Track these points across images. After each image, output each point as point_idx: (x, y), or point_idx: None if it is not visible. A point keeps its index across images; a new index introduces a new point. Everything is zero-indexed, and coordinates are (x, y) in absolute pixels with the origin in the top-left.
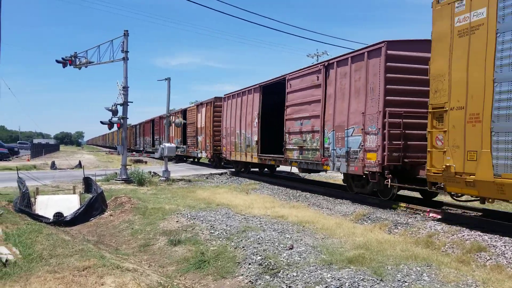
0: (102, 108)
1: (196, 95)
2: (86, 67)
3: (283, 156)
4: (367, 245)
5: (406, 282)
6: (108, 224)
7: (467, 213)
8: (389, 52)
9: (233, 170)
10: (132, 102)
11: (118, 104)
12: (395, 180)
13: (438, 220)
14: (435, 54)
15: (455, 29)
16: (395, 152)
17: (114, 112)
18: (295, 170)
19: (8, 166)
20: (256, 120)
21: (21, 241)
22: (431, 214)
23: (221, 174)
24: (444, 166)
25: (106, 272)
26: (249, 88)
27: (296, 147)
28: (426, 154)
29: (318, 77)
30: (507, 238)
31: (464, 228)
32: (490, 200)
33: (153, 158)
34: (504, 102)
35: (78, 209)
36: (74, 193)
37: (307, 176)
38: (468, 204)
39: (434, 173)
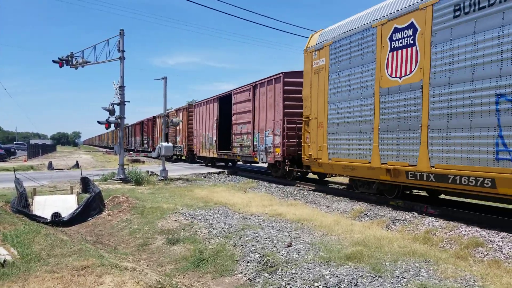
0: (100, 108)
1: (195, 94)
2: (82, 67)
3: (231, 151)
4: (365, 242)
5: (404, 278)
6: (106, 224)
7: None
8: (285, 79)
9: (231, 169)
10: (129, 101)
11: (115, 103)
12: (294, 166)
13: (436, 216)
14: (304, 83)
15: (313, 69)
16: (291, 147)
17: (111, 112)
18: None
19: (5, 167)
20: (215, 124)
21: (19, 241)
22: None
23: (218, 173)
24: (309, 155)
25: (104, 271)
26: (210, 99)
27: (238, 145)
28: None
29: (249, 93)
30: (504, 233)
31: (462, 224)
32: (329, 175)
33: (151, 157)
34: (332, 116)
35: (76, 209)
36: (72, 193)
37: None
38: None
39: (305, 159)
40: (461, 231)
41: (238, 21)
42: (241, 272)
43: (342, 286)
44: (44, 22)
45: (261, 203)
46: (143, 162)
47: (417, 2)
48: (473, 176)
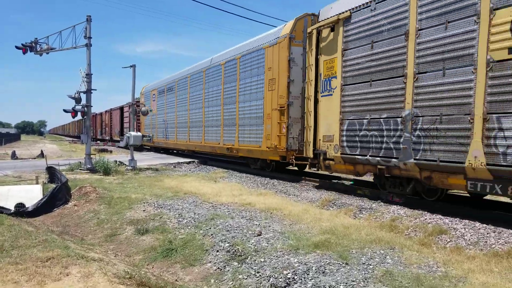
0: (66, 97)
1: None
2: (47, 53)
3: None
4: (333, 230)
5: (370, 265)
6: (73, 214)
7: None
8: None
9: (201, 159)
10: (95, 89)
11: (81, 91)
12: None
13: (401, 204)
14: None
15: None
16: None
17: (78, 100)
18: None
19: None
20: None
21: None
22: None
23: (188, 162)
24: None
25: (70, 262)
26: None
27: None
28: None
29: None
30: (466, 220)
31: (426, 212)
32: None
33: (119, 147)
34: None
35: (41, 200)
36: (37, 183)
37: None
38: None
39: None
40: (426, 219)
41: (208, 9)
42: (210, 261)
43: (310, 274)
44: (3, 9)
45: (231, 192)
46: (111, 152)
47: None
48: None
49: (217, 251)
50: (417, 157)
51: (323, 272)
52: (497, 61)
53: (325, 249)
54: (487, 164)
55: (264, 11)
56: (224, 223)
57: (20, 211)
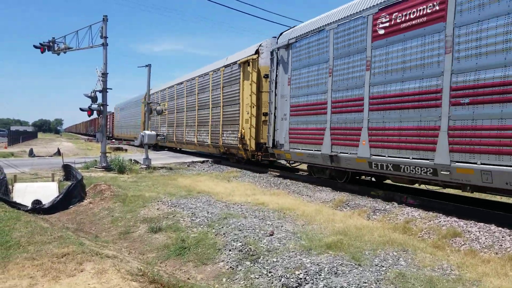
0: (82, 95)
1: None
2: (64, 52)
3: None
4: (346, 231)
5: (383, 266)
6: (88, 212)
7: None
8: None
9: (216, 158)
10: (111, 88)
11: (97, 90)
12: None
13: (415, 206)
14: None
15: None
16: None
17: (94, 99)
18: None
19: None
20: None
21: None
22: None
23: (202, 162)
24: None
25: (85, 258)
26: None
27: None
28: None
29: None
30: (481, 223)
31: (441, 214)
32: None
33: (133, 145)
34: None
35: (57, 197)
36: (53, 180)
37: None
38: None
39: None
40: (440, 221)
41: (218, 7)
42: (223, 261)
43: (322, 274)
44: (23, 6)
45: (244, 192)
46: (126, 150)
47: None
48: None
49: (230, 250)
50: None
51: (335, 273)
52: None
53: (338, 250)
54: None
55: (278, 10)
56: (237, 223)
57: (37, 208)
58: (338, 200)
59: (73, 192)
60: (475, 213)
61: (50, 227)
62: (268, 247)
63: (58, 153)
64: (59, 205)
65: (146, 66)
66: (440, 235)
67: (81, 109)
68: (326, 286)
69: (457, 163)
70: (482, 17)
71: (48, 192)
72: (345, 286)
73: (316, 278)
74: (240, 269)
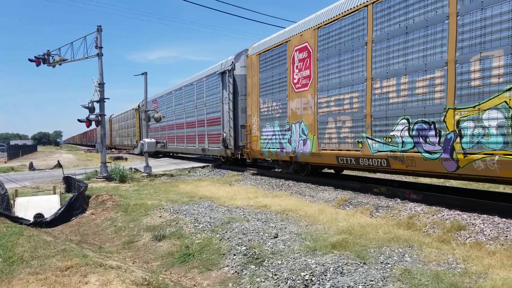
0: (80, 106)
1: None
2: (60, 64)
3: None
4: (350, 229)
5: (388, 264)
6: (91, 223)
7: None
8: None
9: (216, 163)
10: (108, 98)
11: (94, 101)
12: None
13: (418, 201)
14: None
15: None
16: None
17: (91, 110)
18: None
19: None
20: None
21: (1, 244)
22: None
23: (203, 167)
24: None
25: (89, 270)
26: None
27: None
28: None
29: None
30: (485, 215)
31: (444, 208)
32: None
33: (133, 154)
34: None
35: (59, 209)
36: (55, 193)
37: None
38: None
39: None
40: (443, 215)
41: (209, 12)
42: (227, 265)
43: (328, 275)
44: (18, 21)
45: (246, 195)
46: (126, 159)
47: None
48: None
49: (234, 254)
50: None
51: (341, 273)
52: None
53: (343, 249)
54: None
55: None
56: (240, 227)
57: (39, 221)
58: (340, 199)
59: (75, 204)
60: (477, 205)
61: (53, 240)
62: (273, 249)
63: (59, 165)
64: (61, 218)
65: (142, 74)
66: (445, 229)
67: (79, 120)
68: (332, 286)
69: None
70: None
71: (50, 205)
72: (352, 285)
73: (322, 279)
74: (246, 273)
